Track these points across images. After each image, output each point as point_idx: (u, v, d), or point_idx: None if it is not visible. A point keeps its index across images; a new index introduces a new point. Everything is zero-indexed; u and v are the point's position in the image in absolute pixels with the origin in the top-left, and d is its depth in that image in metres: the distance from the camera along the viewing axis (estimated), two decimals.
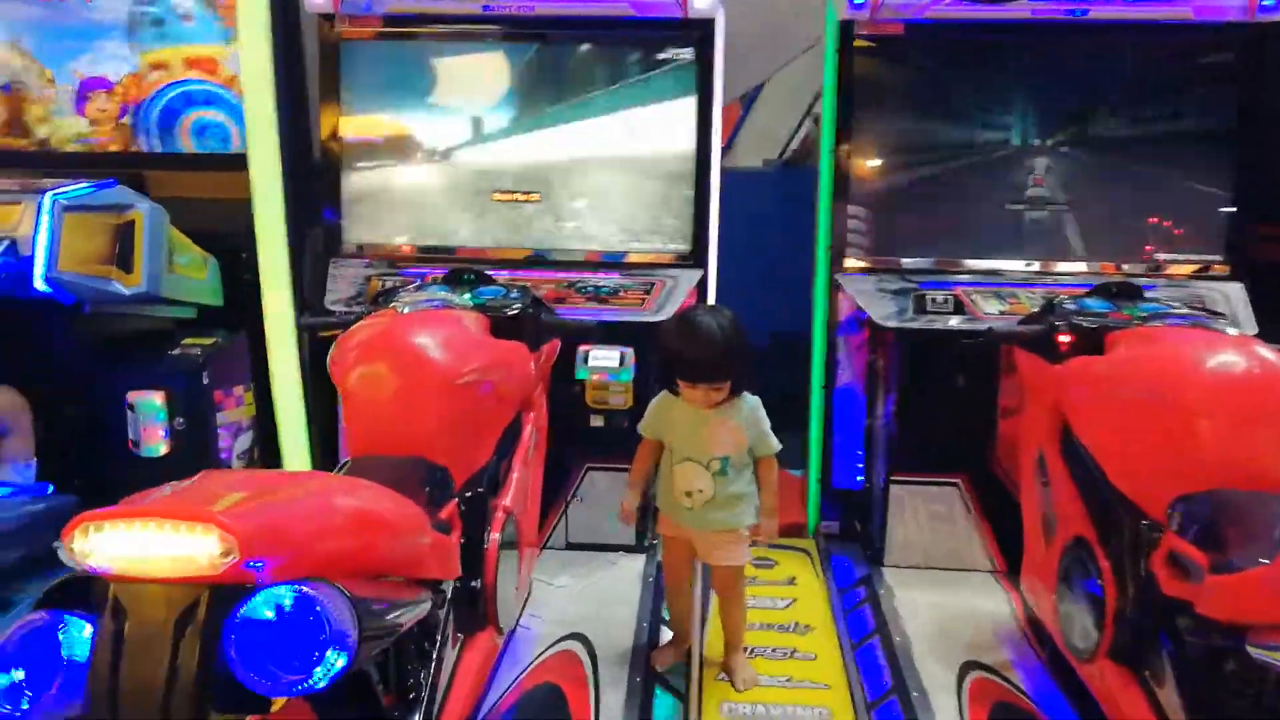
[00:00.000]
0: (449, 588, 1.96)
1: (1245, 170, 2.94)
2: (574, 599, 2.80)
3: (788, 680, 2.43)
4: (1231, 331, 2.06)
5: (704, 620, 2.65)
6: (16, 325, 2.48)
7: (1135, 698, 1.96)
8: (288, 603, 1.15)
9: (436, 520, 1.78)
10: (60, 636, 1.16)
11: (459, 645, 2.06)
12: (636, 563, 2.98)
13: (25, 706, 1.14)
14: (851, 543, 3.20)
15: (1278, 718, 1.56)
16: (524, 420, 2.51)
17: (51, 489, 2.40)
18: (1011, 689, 2.38)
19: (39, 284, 2.26)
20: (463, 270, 2.68)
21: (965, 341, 2.55)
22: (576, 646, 2.54)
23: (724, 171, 3.15)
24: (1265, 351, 1.93)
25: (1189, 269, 2.99)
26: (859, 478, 3.20)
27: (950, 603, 2.80)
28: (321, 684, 1.18)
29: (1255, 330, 2.72)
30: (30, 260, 2.26)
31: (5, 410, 2.38)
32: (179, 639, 1.13)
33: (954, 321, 2.82)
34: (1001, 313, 2.86)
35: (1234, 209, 2.97)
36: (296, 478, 1.36)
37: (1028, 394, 2.57)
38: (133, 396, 2.54)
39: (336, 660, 1.19)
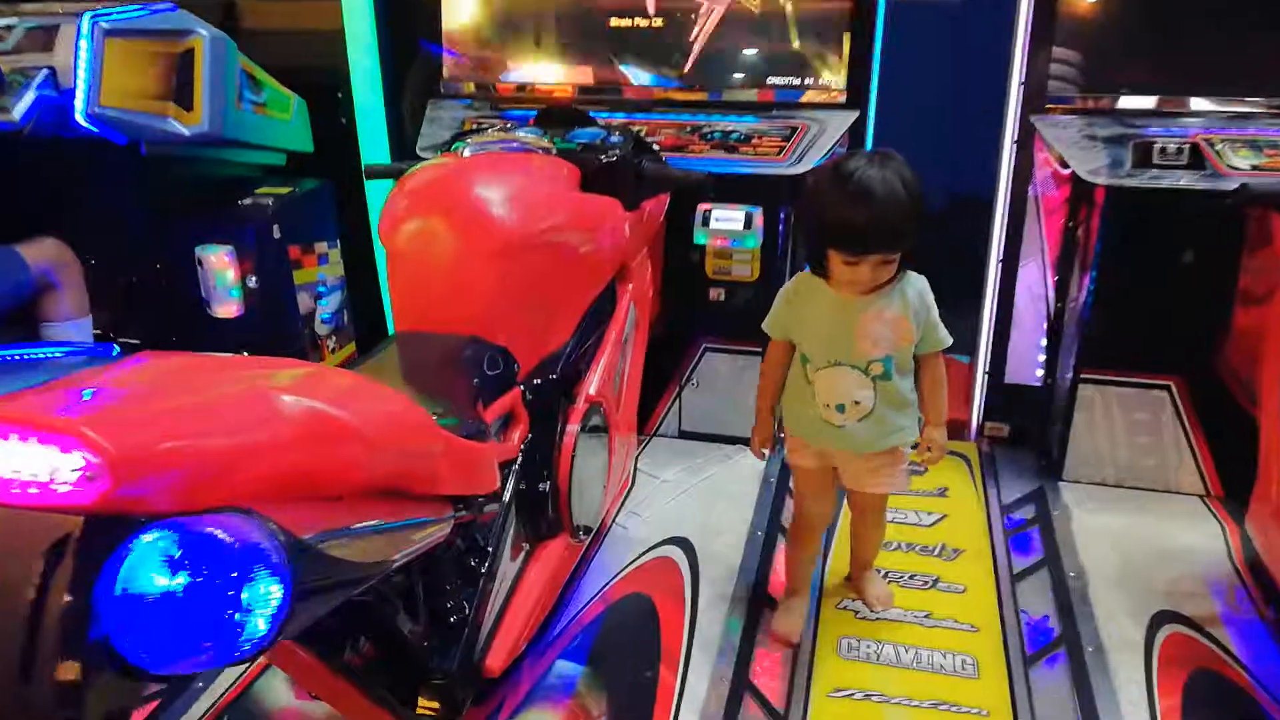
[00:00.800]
0: (508, 486, 1.63)
1: None
2: (681, 497, 2.45)
3: (926, 616, 2.01)
4: None
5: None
6: (70, 168, 2.27)
7: None
8: (174, 547, 0.83)
9: (476, 416, 1.43)
10: None
11: (523, 555, 1.76)
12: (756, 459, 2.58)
13: None
14: (1023, 450, 2.66)
15: None
16: (619, 293, 2.10)
17: (117, 351, 2.24)
18: (1219, 653, 1.86)
19: (80, 119, 2.01)
20: (558, 108, 2.24)
21: (1217, 201, 1.90)
22: (677, 554, 2.21)
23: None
24: None
25: None
26: (1040, 372, 2.62)
27: (1145, 533, 2.26)
28: (246, 655, 0.87)
29: None
30: (72, 93, 2.01)
31: (51, 261, 2.20)
32: (43, 587, 0.83)
33: (1188, 179, 2.15)
34: (1255, 168, 2.16)
35: None
36: (242, 368, 1.02)
37: None
38: (200, 251, 2.32)
39: (260, 623, 0.86)
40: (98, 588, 0.83)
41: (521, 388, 1.69)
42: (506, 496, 1.64)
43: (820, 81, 2.56)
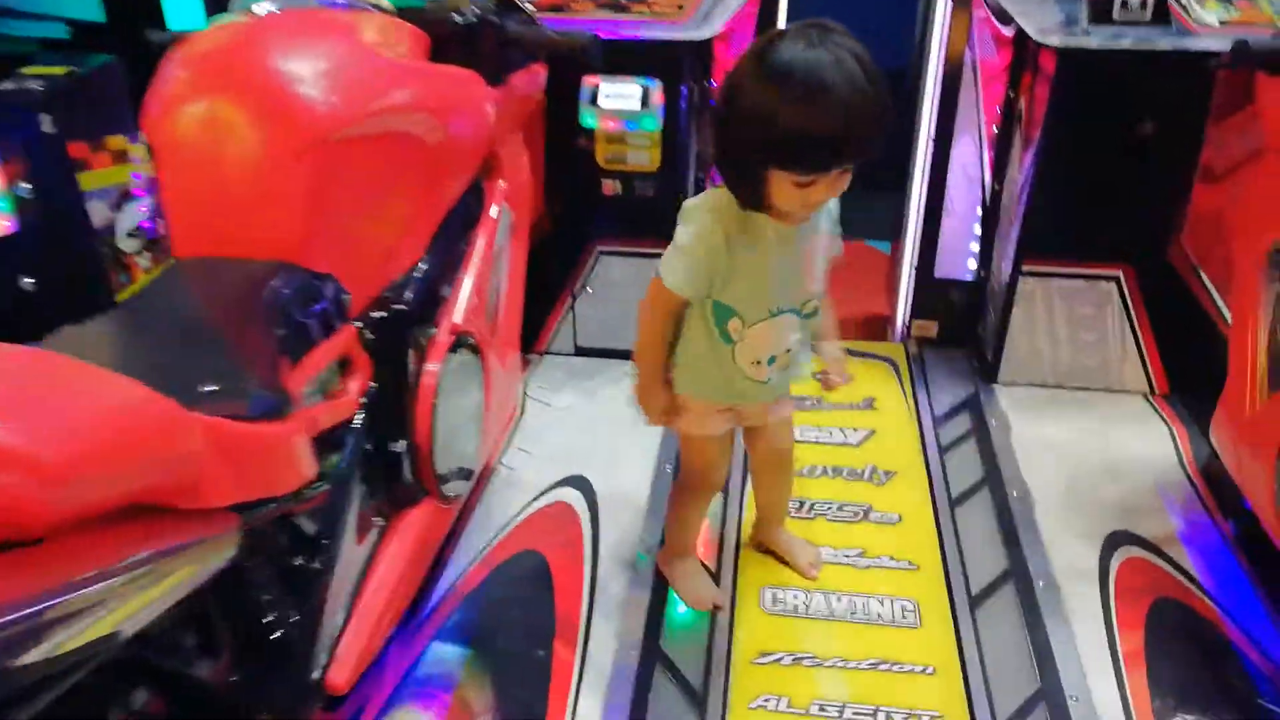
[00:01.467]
0: (347, 449, 1.28)
1: None
2: (578, 426, 2.13)
3: (859, 555, 1.76)
4: None
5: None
6: None
7: None
8: None
9: (274, 383, 1.05)
10: None
11: (375, 533, 1.41)
12: None
13: None
14: (956, 351, 2.41)
15: None
16: (486, 192, 1.69)
17: None
18: (1180, 578, 1.68)
19: None
20: None
21: (1214, 62, 1.60)
22: (574, 497, 1.90)
23: None
24: None
25: None
26: (973, 264, 2.35)
27: (1090, 440, 2.05)
28: None
29: None
30: None
31: None
32: None
33: (1153, 37, 1.84)
34: (1224, 23, 1.87)
35: None
36: None
37: (1273, 148, 1.64)
38: None
39: None
40: None
41: (358, 325, 1.31)
42: (345, 465, 1.28)
43: None
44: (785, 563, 1.72)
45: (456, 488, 1.60)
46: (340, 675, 1.26)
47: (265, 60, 1.25)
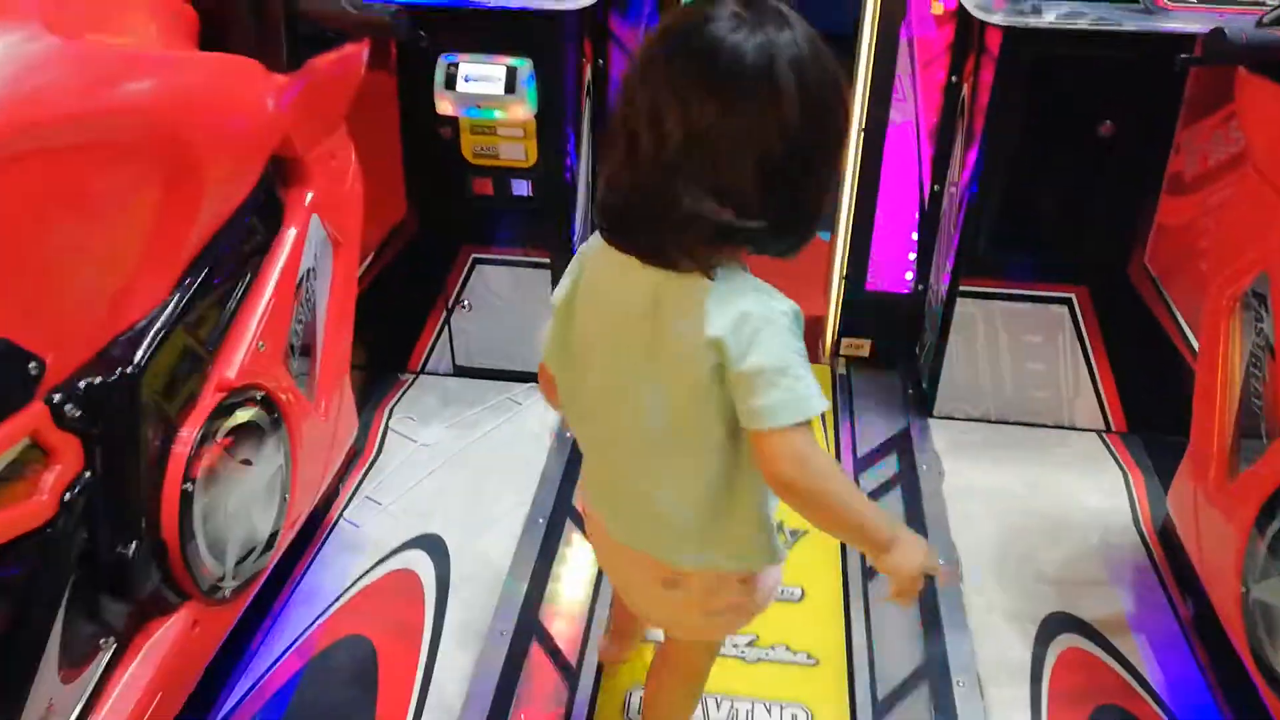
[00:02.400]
0: (53, 563, 0.97)
1: None
2: (444, 468, 1.82)
3: (749, 644, 1.47)
4: None
5: None
6: None
7: None
8: None
9: None
10: None
11: (96, 663, 1.10)
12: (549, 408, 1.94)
13: None
14: (889, 375, 2.11)
15: None
16: (286, 204, 1.35)
17: None
18: (1127, 678, 1.41)
19: None
20: None
21: (1184, 57, 1.28)
22: (422, 562, 1.60)
23: None
24: None
25: None
26: (910, 276, 2.04)
27: (1033, 492, 1.77)
28: None
29: None
30: None
31: None
32: None
33: (1124, 18, 1.53)
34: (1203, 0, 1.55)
35: None
36: None
37: (1252, 160, 1.32)
38: None
39: None
40: None
41: (54, 401, 0.99)
42: (37, 587, 0.97)
43: None
44: None
45: (240, 575, 1.29)
46: None
47: None
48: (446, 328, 2.03)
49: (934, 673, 1.41)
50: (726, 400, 0.88)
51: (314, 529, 1.63)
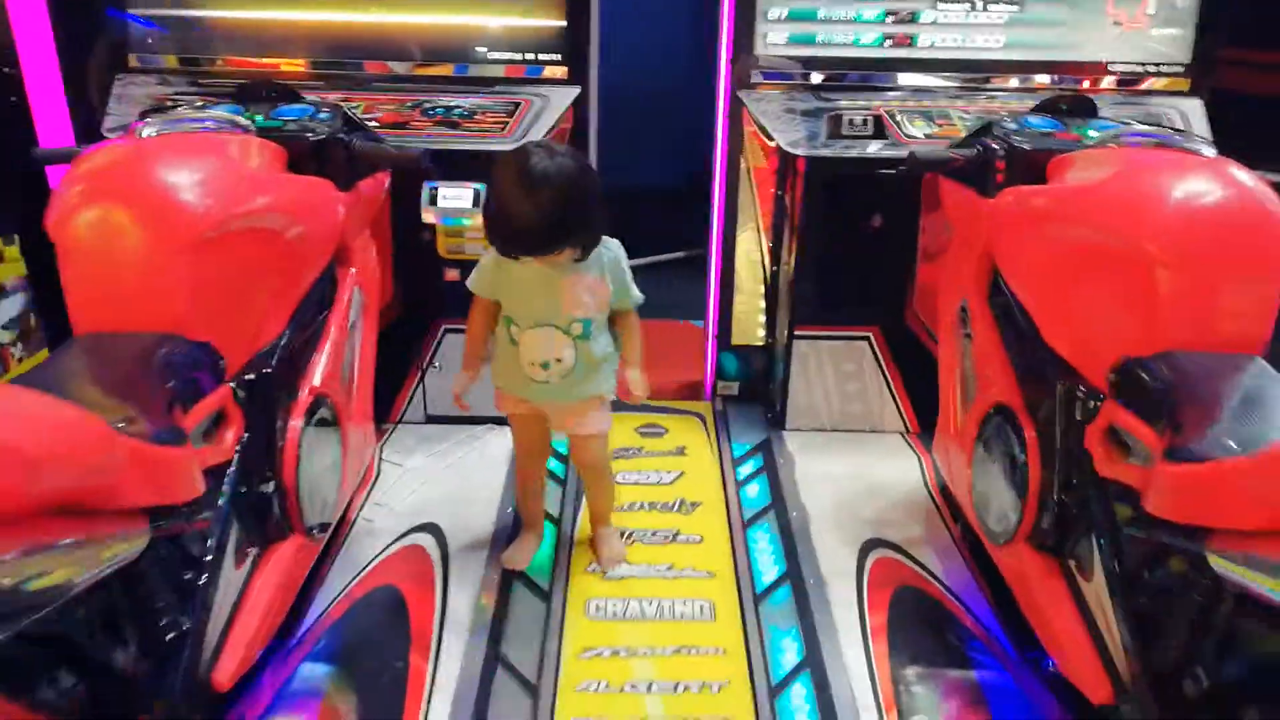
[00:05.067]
0: (224, 490, 1.54)
1: None
2: (428, 483, 2.42)
3: (668, 569, 2.12)
4: (1207, 153, 1.65)
5: (577, 501, 2.30)
6: None
7: (1056, 589, 1.68)
8: None
9: (169, 421, 1.33)
10: None
11: (250, 561, 1.66)
12: (506, 438, 2.56)
13: None
14: (753, 406, 2.86)
15: (1232, 636, 1.26)
16: (339, 278, 2.02)
17: None
18: (919, 570, 2.11)
19: None
20: (260, 84, 2.11)
21: (886, 171, 2.12)
22: (426, 540, 2.18)
23: None
24: (1245, 178, 1.53)
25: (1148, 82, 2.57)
26: (761, 332, 2.82)
27: (856, 470, 2.50)
28: None
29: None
30: None
31: None
32: None
33: (874, 147, 2.38)
34: (929, 136, 2.43)
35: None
36: None
37: (954, 233, 2.17)
38: None
39: None
40: None
41: (232, 385, 1.59)
42: (223, 501, 1.55)
43: (540, 57, 2.58)
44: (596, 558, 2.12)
45: (319, 529, 1.86)
46: (224, 674, 1.50)
47: (150, 173, 1.56)
48: (421, 385, 2.66)
49: (794, 576, 2.08)
50: None
51: (341, 525, 2.19)
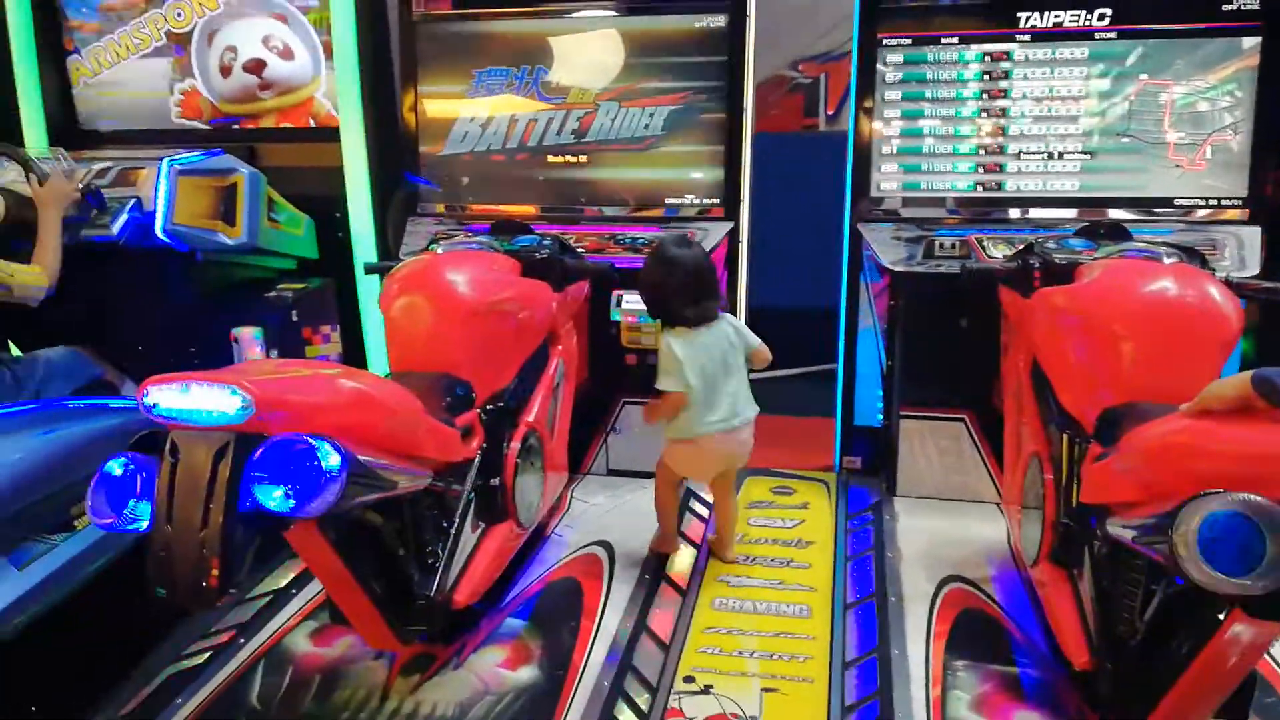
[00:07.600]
0: (469, 477, 2.36)
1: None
2: (606, 515, 3.18)
3: (779, 583, 2.73)
4: (1168, 261, 2.20)
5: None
6: (144, 272, 3.05)
7: (1064, 592, 2.16)
8: (293, 447, 1.56)
9: (449, 421, 2.18)
10: (133, 472, 1.60)
11: (480, 531, 2.47)
12: None
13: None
14: (872, 478, 3.43)
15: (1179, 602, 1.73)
16: (550, 352, 2.88)
17: None
18: (984, 598, 2.60)
19: (159, 233, 2.81)
20: (506, 221, 3.07)
21: (960, 276, 2.74)
22: (600, 551, 2.92)
23: (757, 134, 3.42)
24: (1199, 279, 2.08)
25: (1204, 213, 3.05)
26: (879, 415, 3.42)
27: (949, 527, 3.01)
28: (318, 508, 1.57)
29: (1255, 272, 2.80)
30: (153, 215, 2.80)
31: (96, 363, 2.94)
32: (215, 470, 1.55)
33: (954, 265, 3.01)
34: (1005, 257, 3.01)
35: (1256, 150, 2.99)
36: (314, 364, 1.76)
37: (1012, 329, 2.74)
38: (235, 332, 3.07)
39: (328, 494, 1.57)
40: (247, 467, 1.55)
41: (479, 411, 2.44)
42: (467, 486, 2.37)
43: (704, 200, 3.42)
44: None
45: (524, 522, 2.66)
46: (462, 596, 2.28)
47: (440, 274, 2.48)
48: (605, 445, 3.46)
49: (880, 595, 2.63)
50: None
51: (541, 535, 2.97)
